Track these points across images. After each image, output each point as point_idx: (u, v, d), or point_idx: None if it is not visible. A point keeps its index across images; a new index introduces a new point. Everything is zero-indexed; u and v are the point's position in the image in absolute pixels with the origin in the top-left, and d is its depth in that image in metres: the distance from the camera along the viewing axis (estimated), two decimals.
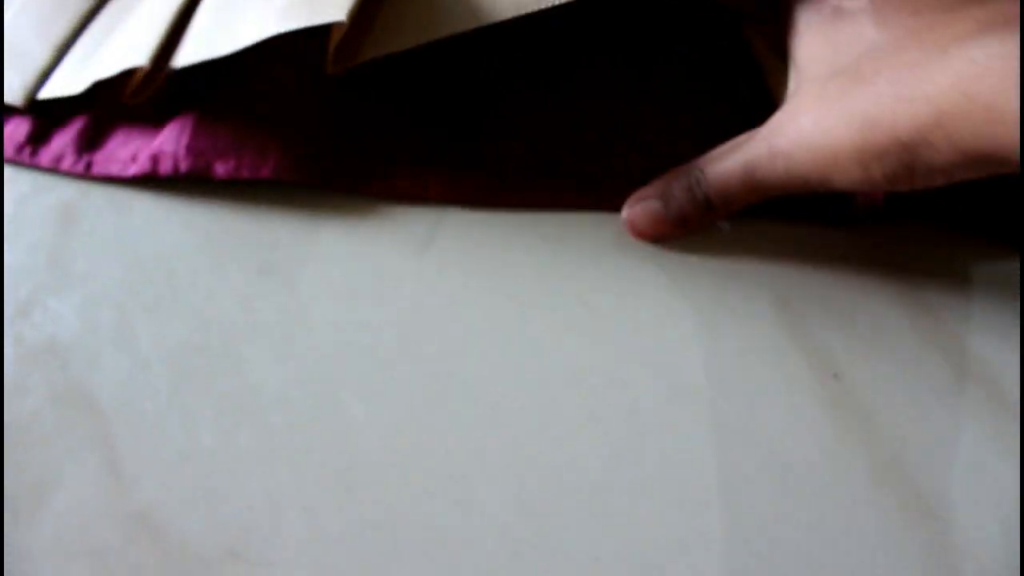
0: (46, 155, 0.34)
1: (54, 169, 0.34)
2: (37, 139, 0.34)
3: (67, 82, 0.34)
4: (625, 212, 0.31)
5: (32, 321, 0.30)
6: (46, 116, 0.35)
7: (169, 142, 0.33)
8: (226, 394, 0.28)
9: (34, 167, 0.34)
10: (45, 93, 0.34)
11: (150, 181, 0.33)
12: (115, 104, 0.34)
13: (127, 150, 0.34)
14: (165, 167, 0.33)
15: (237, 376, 0.29)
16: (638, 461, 0.27)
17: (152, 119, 0.34)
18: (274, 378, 0.29)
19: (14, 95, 0.35)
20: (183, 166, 0.33)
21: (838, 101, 0.25)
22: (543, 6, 0.30)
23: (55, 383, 0.29)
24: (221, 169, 0.32)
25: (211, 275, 0.31)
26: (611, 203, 0.32)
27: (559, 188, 0.32)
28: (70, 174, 0.34)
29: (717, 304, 0.30)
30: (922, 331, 0.29)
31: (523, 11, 0.30)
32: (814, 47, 0.28)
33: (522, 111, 0.34)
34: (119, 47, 0.34)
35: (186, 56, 0.32)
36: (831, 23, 0.28)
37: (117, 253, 0.32)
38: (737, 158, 0.28)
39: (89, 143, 0.34)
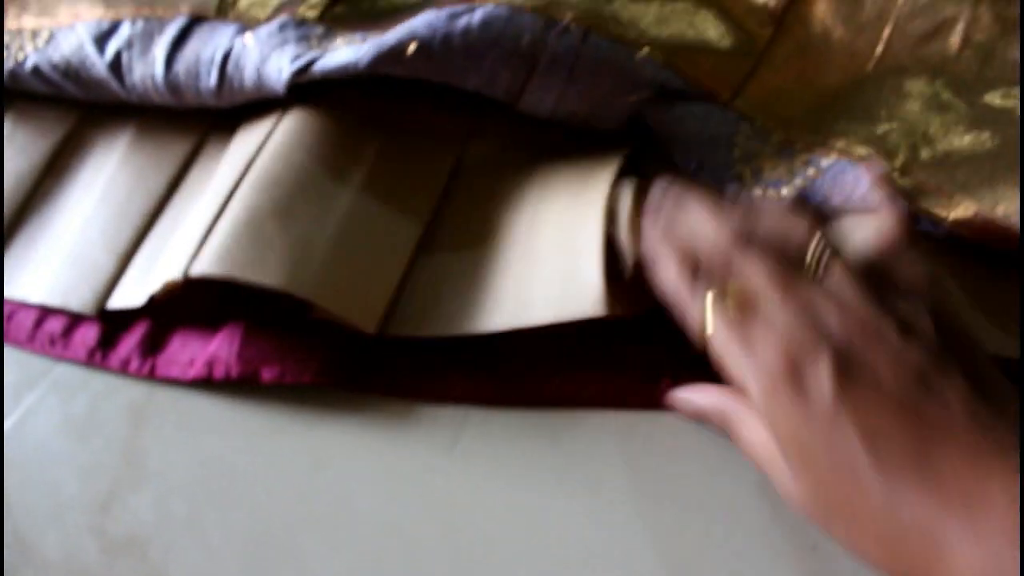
0: (115, 359, 0.39)
1: (123, 371, 0.38)
2: (106, 343, 0.39)
3: (131, 293, 0.39)
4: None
5: (113, 515, 0.35)
6: (112, 321, 0.39)
7: (222, 348, 0.38)
8: None
9: (105, 369, 0.39)
10: (113, 304, 0.39)
11: (209, 383, 0.38)
12: (173, 310, 0.39)
13: (185, 354, 0.38)
14: (219, 372, 0.37)
15: (299, 565, 0.33)
16: None
17: (207, 324, 0.39)
18: (331, 567, 0.33)
19: (85, 305, 0.39)
20: (234, 372, 0.37)
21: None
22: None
23: (138, 573, 0.33)
24: (268, 375, 0.37)
25: (268, 470, 0.36)
26: (620, 400, 0.37)
27: (569, 387, 0.37)
28: (137, 376, 0.38)
29: (704, 487, 0.35)
30: None
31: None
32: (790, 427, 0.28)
33: None
34: (166, 261, 0.39)
35: (209, 267, 0.36)
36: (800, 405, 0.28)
37: (185, 451, 0.36)
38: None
39: (152, 347, 0.39)
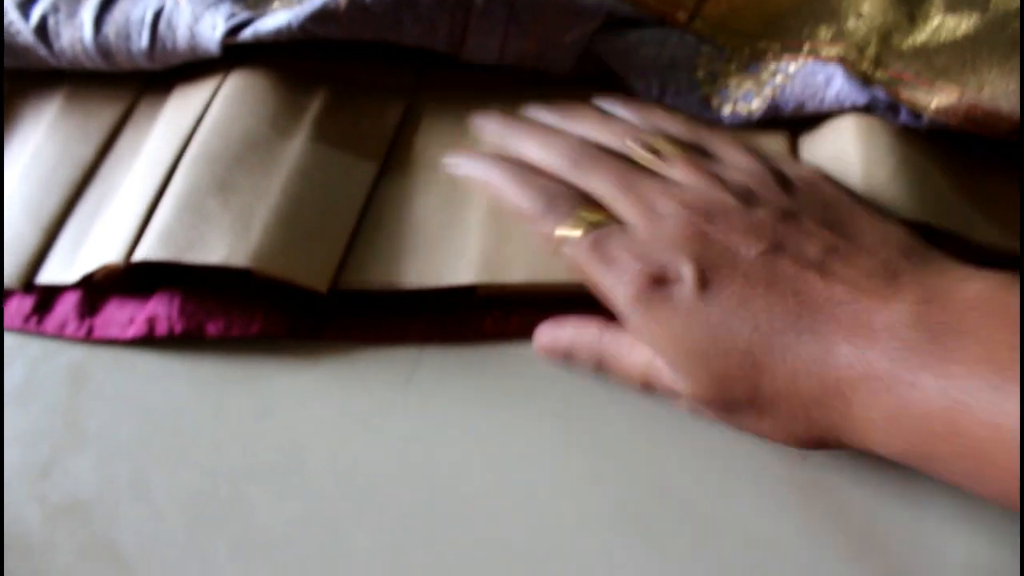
0: (51, 322, 0.37)
1: (59, 335, 0.37)
2: (41, 308, 0.38)
3: (62, 269, 0.38)
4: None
5: (53, 481, 0.33)
6: (46, 288, 0.38)
7: (161, 305, 0.36)
8: (238, 535, 0.32)
9: (40, 334, 0.37)
10: (43, 278, 0.38)
11: (150, 340, 0.36)
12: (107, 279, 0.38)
13: (124, 314, 0.37)
14: (160, 329, 0.36)
15: (247, 518, 0.32)
16: (625, 560, 0.30)
17: (142, 287, 0.38)
18: (281, 516, 0.32)
19: (10, 279, 0.38)
20: (177, 327, 0.36)
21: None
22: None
23: (80, 538, 0.32)
24: (212, 328, 0.36)
25: (214, 424, 0.34)
26: None
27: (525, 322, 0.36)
28: (74, 339, 0.37)
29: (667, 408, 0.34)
30: None
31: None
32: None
33: None
34: (102, 236, 0.37)
35: (152, 251, 0.35)
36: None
37: (127, 410, 0.35)
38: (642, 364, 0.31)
39: (89, 309, 0.37)
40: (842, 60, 0.35)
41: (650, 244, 0.29)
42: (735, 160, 0.33)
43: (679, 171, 0.32)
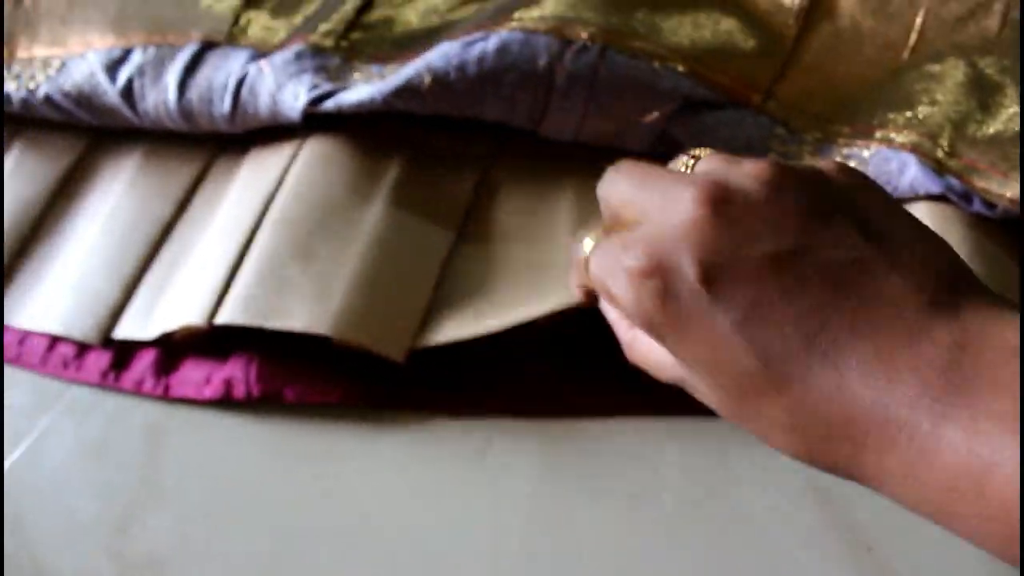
0: (128, 379, 0.37)
1: (136, 392, 0.37)
2: (119, 365, 0.38)
3: (139, 323, 0.38)
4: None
5: (130, 537, 0.33)
6: (124, 344, 0.39)
7: (239, 368, 0.37)
8: None
9: (118, 390, 0.37)
10: (119, 334, 0.38)
11: (224, 402, 0.37)
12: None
13: (200, 373, 0.37)
14: (238, 392, 0.36)
15: None
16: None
17: (220, 349, 0.38)
18: None
19: (88, 334, 0.38)
20: (255, 391, 0.36)
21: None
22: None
23: None
24: (291, 394, 0.36)
25: (287, 487, 0.34)
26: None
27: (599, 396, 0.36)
28: (151, 396, 0.37)
29: (748, 493, 0.33)
30: None
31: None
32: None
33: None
34: (182, 296, 0.38)
35: (233, 316, 0.36)
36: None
37: (202, 471, 0.35)
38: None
39: (165, 368, 0.38)
40: (915, 148, 0.36)
41: (654, 236, 0.25)
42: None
43: (704, 162, 0.28)
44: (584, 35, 0.39)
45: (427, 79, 0.39)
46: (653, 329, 0.26)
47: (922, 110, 0.38)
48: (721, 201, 0.25)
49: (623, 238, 0.26)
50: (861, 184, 0.27)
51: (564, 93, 0.39)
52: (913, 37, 0.41)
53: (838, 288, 0.24)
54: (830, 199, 0.25)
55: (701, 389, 0.26)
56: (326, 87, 0.42)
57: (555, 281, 0.36)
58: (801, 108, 0.40)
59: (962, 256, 0.30)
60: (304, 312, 0.35)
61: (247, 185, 0.43)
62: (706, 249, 0.24)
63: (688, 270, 0.24)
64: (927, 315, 0.23)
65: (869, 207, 0.26)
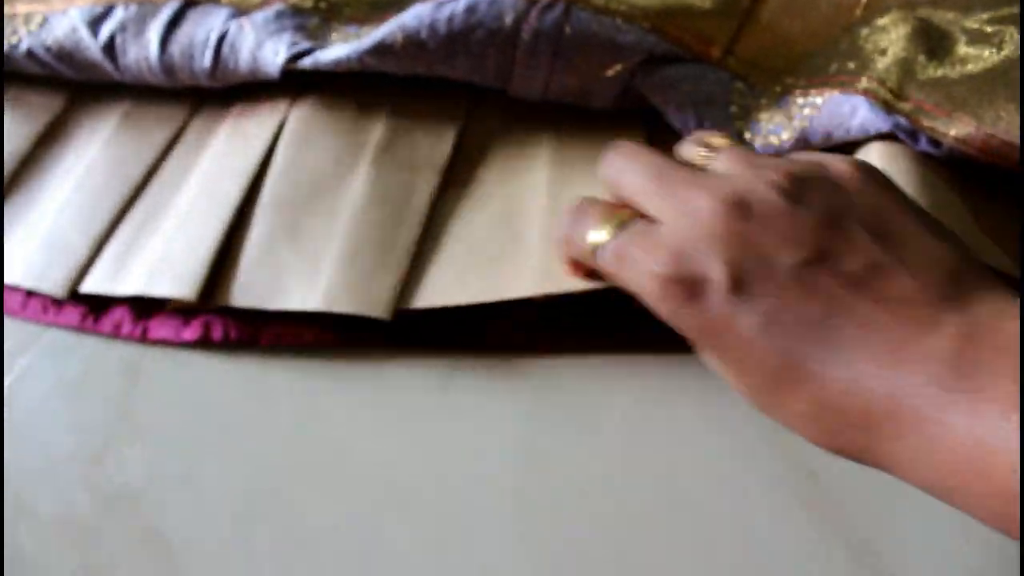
0: (107, 322, 0.39)
1: (114, 335, 0.38)
2: (98, 308, 0.39)
3: (106, 280, 0.40)
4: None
5: (105, 469, 0.34)
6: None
7: (217, 312, 0.38)
8: (282, 530, 0.33)
9: (96, 333, 0.39)
10: (87, 287, 0.39)
11: (203, 343, 0.38)
12: None
13: (178, 318, 0.39)
14: (216, 334, 0.38)
15: (289, 514, 0.33)
16: (635, 562, 0.32)
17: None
18: (322, 513, 0.33)
19: (57, 287, 0.39)
20: (232, 333, 0.38)
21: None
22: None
23: (129, 526, 0.33)
24: (266, 338, 0.38)
25: (261, 423, 0.36)
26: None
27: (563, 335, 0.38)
28: (129, 339, 0.38)
29: (700, 423, 0.35)
30: None
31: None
32: None
33: None
34: (167, 263, 0.39)
35: (234, 299, 0.38)
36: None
37: (177, 406, 0.36)
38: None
39: (144, 310, 0.39)
40: (866, 92, 0.37)
41: (679, 243, 0.27)
42: (789, 157, 0.30)
43: (722, 161, 0.30)
44: None
45: (400, 38, 0.41)
46: (679, 326, 0.28)
47: (872, 59, 0.39)
48: (742, 216, 0.27)
49: (644, 240, 0.28)
50: (875, 187, 0.28)
51: (530, 50, 0.40)
52: None
53: (852, 291, 0.25)
54: (846, 207, 0.27)
55: (729, 379, 0.28)
56: (304, 45, 0.43)
57: (532, 247, 0.38)
58: (759, 64, 0.41)
59: (909, 190, 0.31)
60: (298, 293, 0.37)
61: (227, 154, 0.44)
62: (733, 261, 0.26)
63: (717, 280, 0.26)
64: (936, 311, 0.25)
65: (883, 209, 0.27)
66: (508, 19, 0.39)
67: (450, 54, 0.41)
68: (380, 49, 0.41)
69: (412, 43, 0.41)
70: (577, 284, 0.35)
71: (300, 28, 0.44)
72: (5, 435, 0.36)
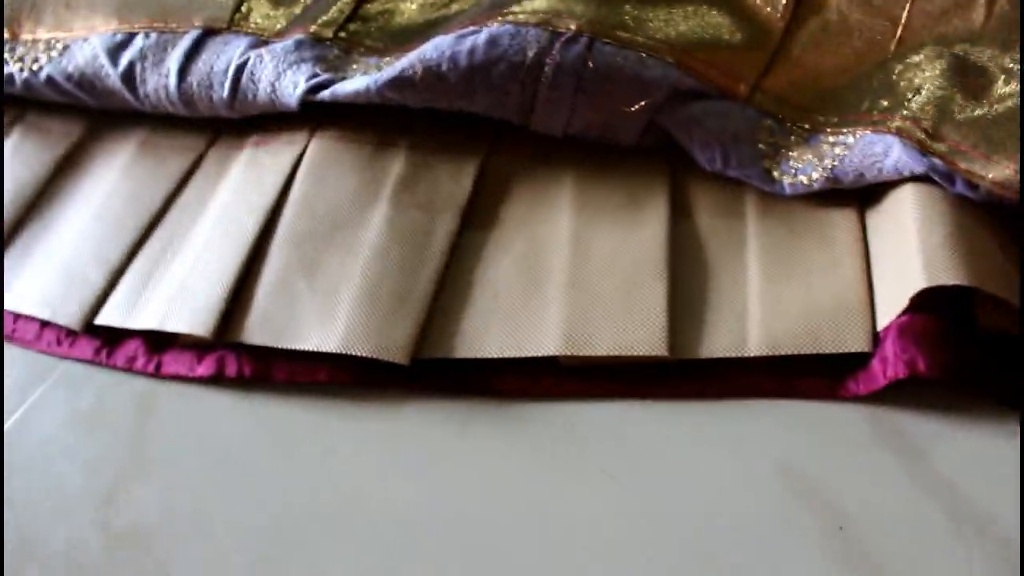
0: (121, 356, 0.38)
1: (129, 369, 0.38)
2: (111, 341, 0.39)
3: (121, 313, 0.39)
4: None
5: (117, 508, 0.34)
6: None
7: (231, 347, 0.37)
8: (295, 572, 0.32)
9: (110, 367, 0.38)
10: (102, 319, 0.39)
11: (217, 379, 0.37)
12: None
13: (192, 352, 0.38)
14: (230, 370, 0.37)
15: (303, 555, 0.32)
16: None
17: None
18: (335, 555, 0.32)
19: (72, 319, 0.39)
20: (247, 370, 0.37)
21: None
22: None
23: (140, 567, 0.32)
24: (280, 374, 0.37)
25: (276, 464, 0.35)
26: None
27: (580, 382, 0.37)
28: (143, 373, 0.38)
29: (721, 470, 0.34)
30: (919, 479, 0.33)
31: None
32: None
33: None
34: (181, 299, 0.38)
35: (249, 336, 0.37)
36: None
37: (191, 443, 0.36)
38: None
39: (157, 345, 0.38)
40: (900, 131, 0.36)
41: None
42: None
43: None
44: (572, 27, 0.39)
45: (420, 70, 0.40)
46: None
47: (906, 96, 0.38)
48: None
49: None
50: None
51: (553, 84, 0.39)
52: (899, 30, 0.42)
53: None
54: None
55: None
56: (323, 77, 0.42)
57: (555, 299, 0.37)
58: (788, 100, 0.40)
59: (943, 236, 0.30)
60: (315, 333, 0.36)
61: (244, 186, 0.43)
62: None
63: None
64: None
65: None
66: (531, 52, 0.39)
67: (471, 88, 0.40)
68: (399, 82, 0.40)
69: (432, 76, 0.40)
70: (602, 348, 0.35)
71: (320, 59, 0.43)
72: (15, 468, 0.35)
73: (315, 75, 0.42)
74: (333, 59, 0.44)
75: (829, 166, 0.37)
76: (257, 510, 0.34)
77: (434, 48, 0.40)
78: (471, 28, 0.40)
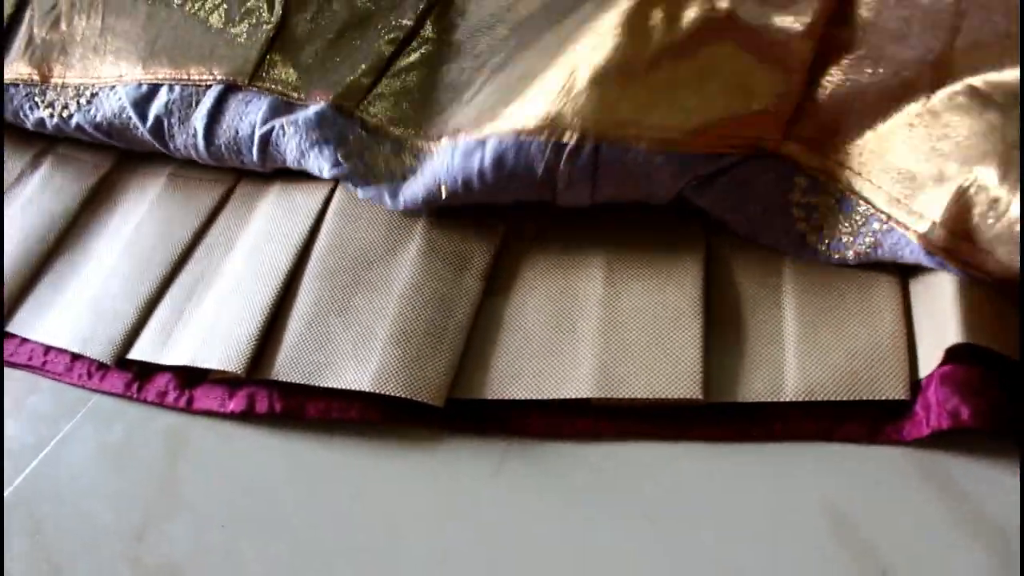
0: (152, 390, 0.38)
1: (160, 404, 0.38)
2: (142, 375, 0.39)
3: (154, 347, 0.39)
4: None
5: (148, 545, 0.34)
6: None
7: (261, 384, 0.37)
8: None
9: (141, 402, 0.38)
10: (134, 354, 0.39)
11: (247, 415, 0.37)
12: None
13: (222, 388, 0.38)
14: (261, 406, 0.37)
15: None
16: None
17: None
18: None
19: (104, 354, 0.39)
20: (278, 406, 0.37)
21: None
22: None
23: None
24: (313, 410, 0.37)
25: (308, 502, 0.35)
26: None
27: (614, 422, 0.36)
28: (174, 408, 0.38)
29: (768, 512, 0.33)
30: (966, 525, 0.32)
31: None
32: None
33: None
34: (213, 336, 0.39)
35: (281, 373, 0.37)
36: None
37: (222, 479, 0.35)
38: None
39: (188, 380, 0.38)
40: (921, 237, 0.36)
41: None
42: None
43: None
44: (574, 134, 0.38)
45: (443, 191, 0.40)
46: None
47: (924, 185, 0.36)
48: None
49: None
50: None
51: (567, 190, 0.39)
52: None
53: None
54: None
55: None
56: (346, 168, 0.42)
57: (589, 340, 0.37)
58: (819, 143, 0.38)
59: (959, 312, 0.32)
60: (348, 370, 0.37)
61: (275, 222, 0.43)
62: None
63: None
64: None
65: None
66: (539, 169, 0.38)
67: (494, 195, 0.40)
68: (429, 199, 0.40)
69: (453, 194, 0.40)
70: (636, 390, 0.35)
71: (342, 141, 0.42)
72: (46, 499, 0.35)
73: (338, 163, 0.42)
74: (355, 142, 0.43)
75: (863, 252, 0.37)
76: (288, 548, 0.33)
77: (445, 170, 0.40)
78: (474, 142, 0.39)
